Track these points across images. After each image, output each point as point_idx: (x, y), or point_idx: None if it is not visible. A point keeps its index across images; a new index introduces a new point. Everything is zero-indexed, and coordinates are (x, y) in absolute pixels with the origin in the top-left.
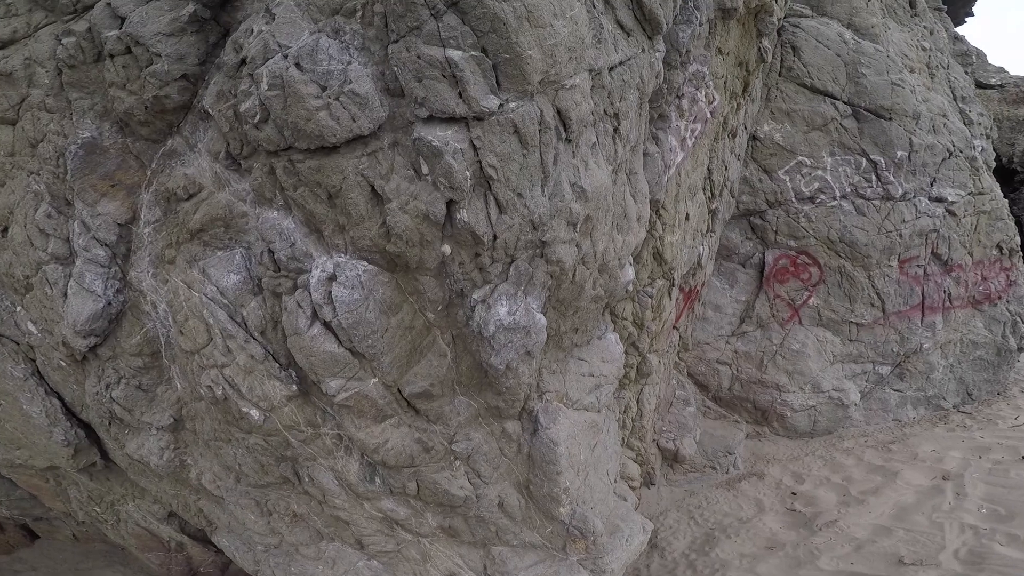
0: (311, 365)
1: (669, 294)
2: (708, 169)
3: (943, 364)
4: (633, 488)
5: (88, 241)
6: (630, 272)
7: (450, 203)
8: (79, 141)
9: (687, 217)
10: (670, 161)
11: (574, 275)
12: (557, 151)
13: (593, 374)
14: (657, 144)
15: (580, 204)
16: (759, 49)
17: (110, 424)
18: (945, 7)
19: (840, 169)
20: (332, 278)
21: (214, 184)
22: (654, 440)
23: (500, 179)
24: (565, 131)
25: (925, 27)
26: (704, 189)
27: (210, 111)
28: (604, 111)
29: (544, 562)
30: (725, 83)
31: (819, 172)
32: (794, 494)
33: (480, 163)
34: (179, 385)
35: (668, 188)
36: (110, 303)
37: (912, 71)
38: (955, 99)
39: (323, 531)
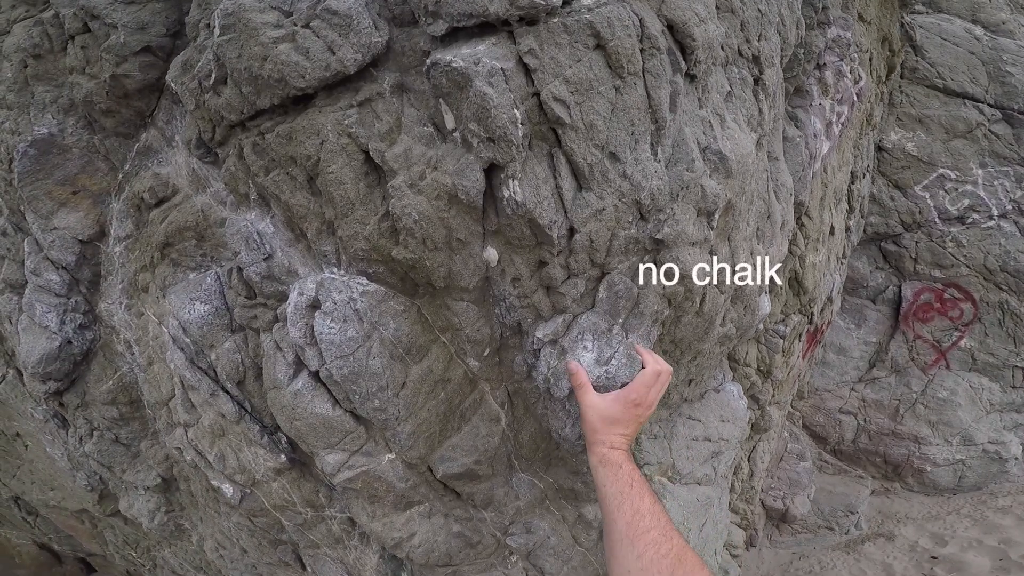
0: (298, 432)
1: (802, 334)
2: (851, 172)
3: None
4: (735, 556)
5: (39, 263)
6: (767, 303)
7: (491, 171)
8: (30, 138)
9: (832, 231)
10: (815, 151)
11: (702, 302)
12: (675, 88)
13: (710, 438)
14: (798, 126)
15: (718, 180)
16: (903, 24)
17: (99, 479)
18: None
19: (995, 183)
20: (314, 304)
21: (191, 185)
22: (759, 498)
23: (578, 124)
24: (685, 60)
25: None
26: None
27: (174, 87)
28: (739, 49)
29: None
30: (871, 60)
31: (968, 187)
32: (934, 558)
33: (538, 96)
34: (166, 440)
35: (813, 188)
36: (69, 341)
37: None
38: None
39: None
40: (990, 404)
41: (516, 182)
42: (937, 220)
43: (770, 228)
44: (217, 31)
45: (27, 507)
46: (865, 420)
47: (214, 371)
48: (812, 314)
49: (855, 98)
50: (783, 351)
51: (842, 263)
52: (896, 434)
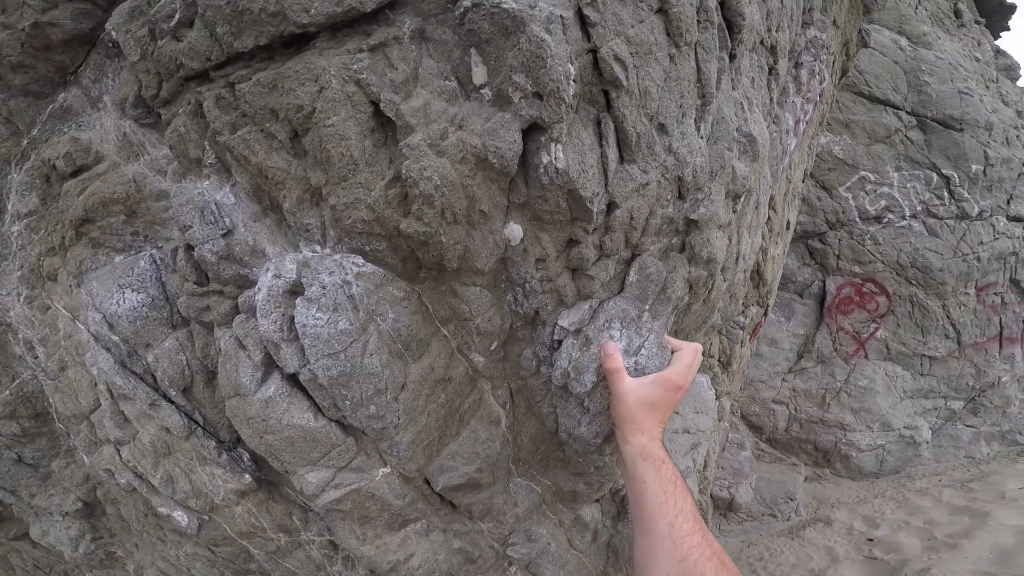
0: (269, 448)
1: (758, 325)
2: (805, 170)
3: (1021, 397)
4: None
5: None
6: (741, 294)
7: (527, 134)
8: None
9: (788, 226)
10: (787, 146)
11: (711, 289)
12: (722, 65)
13: (688, 430)
14: (775, 121)
15: (746, 163)
16: (861, 31)
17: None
18: (983, 20)
19: (908, 185)
20: (294, 290)
21: (120, 152)
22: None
23: (633, 89)
24: (731, 40)
25: (973, 38)
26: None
27: (116, 36)
28: (761, 39)
29: None
30: (833, 63)
31: (885, 188)
32: (871, 540)
33: (594, 54)
34: (85, 459)
35: (780, 183)
36: None
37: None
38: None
39: None
40: (903, 391)
41: (559, 147)
42: (858, 219)
43: (756, 219)
44: None
45: None
46: (796, 409)
47: (152, 376)
48: (768, 306)
49: (819, 98)
50: (741, 342)
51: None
52: (824, 422)
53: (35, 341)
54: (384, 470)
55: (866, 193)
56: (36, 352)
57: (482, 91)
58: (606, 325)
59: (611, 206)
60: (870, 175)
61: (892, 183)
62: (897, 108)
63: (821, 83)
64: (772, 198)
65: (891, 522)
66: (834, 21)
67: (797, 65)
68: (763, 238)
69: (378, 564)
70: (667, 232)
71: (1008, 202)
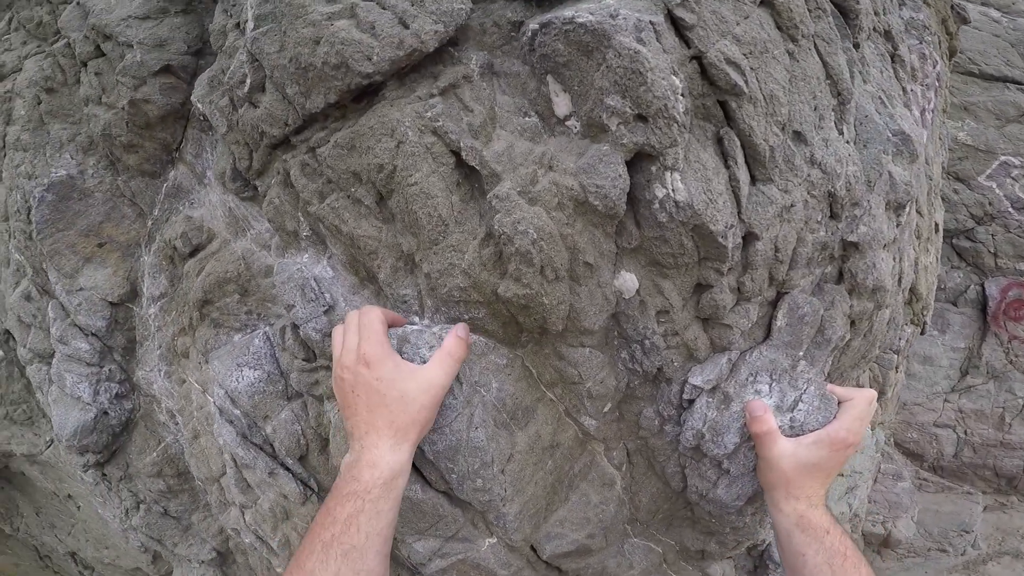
0: None
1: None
2: (942, 164)
3: None
4: None
5: (65, 330)
6: (901, 318)
7: (632, 165)
8: (47, 182)
9: (936, 228)
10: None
11: (874, 321)
12: (850, 57)
13: (843, 473)
14: None
15: (903, 166)
16: (953, 6)
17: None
18: None
19: None
20: None
21: (228, 228)
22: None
23: (756, 95)
24: (848, 26)
25: None
26: None
27: (202, 109)
28: (873, 25)
29: None
30: (940, 45)
31: None
32: None
33: (699, 61)
34: (219, 516)
35: (920, 182)
36: (106, 412)
37: None
38: None
39: None
40: None
41: (677, 175)
42: (1011, 209)
43: (908, 235)
44: (251, 24)
45: (83, 562)
46: (966, 432)
47: (271, 446)
48: (925, 323)
49: (937, 83)
50: (896, 367)
51: None
52: (1005, 444)
53: (175, 411)
54: (490, 540)
55: (1013, 180)
56: (176, 419)
57: (568, 123)
58: (750, 380)
59: (749, 237)
60: (1013, 159)
61: None
62: (1019, 83)
63: (935, 67)
64: (916, 200)
65: None
66: None
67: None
68: (912, 248)
69: None
70: (819, 261)
71: None
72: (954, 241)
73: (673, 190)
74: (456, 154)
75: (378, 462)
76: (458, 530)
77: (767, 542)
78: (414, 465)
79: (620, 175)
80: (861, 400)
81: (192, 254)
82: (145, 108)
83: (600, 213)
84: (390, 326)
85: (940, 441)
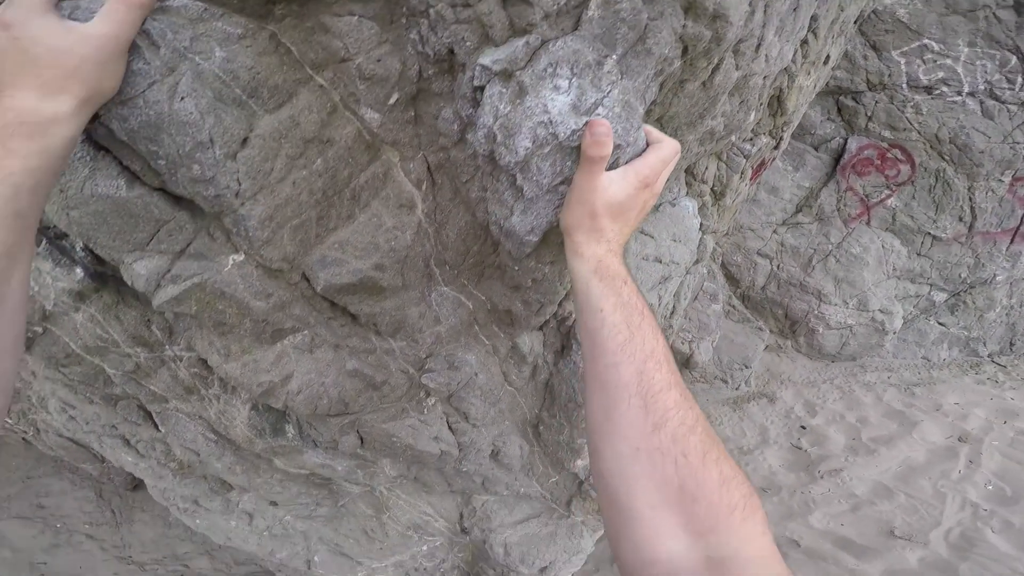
0: (81, 228)
1: (764, 159)
2: (861, 10)
3: (1003, 304)
4: None
5: None
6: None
7: None
8: None
9: (826, 60)
10: None
11: (716, 69)
12: None
13: (660, 259)
14: None
15: None
16: None
17: None
18: None
19: (978, 62)
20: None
21: None
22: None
23: None
24: None
25: None
26: None
27: None
28: None
29: (539, 517)
30: None
31: (948, 61)
32: (804, 428)
33: None
34: None
35: (830, 5)
36: None
37: None
38: None
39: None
40: (893, 268)
41: None
42: (904, 86)
43: (792, 25)
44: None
45: None
46: (779, 267)
47: None
48: (781, 139)
49: None
50: (742, 173)
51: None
52: (803, 286)
53: None
54: (235, 257)
55: (923, 62)
56: None
57: None
58: (549, 71)
59: None
60: (934, 44)
61: (958, 57)
62: None
63: None
64: (816, 19)
65: (829, 412)
66: None
67: None
68: (794, 62)
69: (249, 385)
70: None
71: None
72: (840, 98)
73: None
74: None
75: (18, 106)
76: (188, 242)
77: (574, 318)
78: (112, 154)
79: None
80: (669, 145)
81: None
82: None
83: None
84: None
85: (757, 270)
